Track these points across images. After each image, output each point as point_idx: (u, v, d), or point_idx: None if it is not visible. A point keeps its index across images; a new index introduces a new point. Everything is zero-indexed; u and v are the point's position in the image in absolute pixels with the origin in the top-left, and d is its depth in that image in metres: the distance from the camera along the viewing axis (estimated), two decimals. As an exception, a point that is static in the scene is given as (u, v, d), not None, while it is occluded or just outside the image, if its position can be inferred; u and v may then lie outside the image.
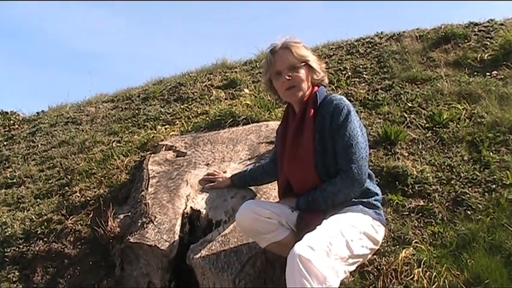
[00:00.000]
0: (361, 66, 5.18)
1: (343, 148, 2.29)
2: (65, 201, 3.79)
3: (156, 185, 3.34)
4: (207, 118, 4.53)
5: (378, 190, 2.43)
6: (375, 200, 2.37)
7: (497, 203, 2.88)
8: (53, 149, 5.05)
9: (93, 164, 4.25)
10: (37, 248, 3.37)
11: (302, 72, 2.44)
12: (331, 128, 2.33)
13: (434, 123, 3.75)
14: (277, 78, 2.47)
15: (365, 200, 2.33)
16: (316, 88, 2.49)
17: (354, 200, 2.32)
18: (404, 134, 3.61)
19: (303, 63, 2.45)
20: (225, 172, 3.28)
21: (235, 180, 3.09)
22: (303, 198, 2.39)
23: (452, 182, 3.14)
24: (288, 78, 2.41)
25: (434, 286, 2.45)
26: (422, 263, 2.57)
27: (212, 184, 3.19)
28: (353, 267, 2.23)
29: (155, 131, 4.62)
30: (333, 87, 4.77)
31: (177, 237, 2.84)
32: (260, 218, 2.38)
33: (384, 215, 2.43)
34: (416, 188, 3.13)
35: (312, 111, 2.41)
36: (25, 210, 3.89)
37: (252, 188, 3.09)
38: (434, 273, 2.51)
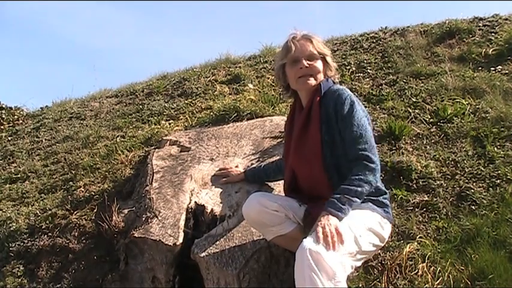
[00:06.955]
0: (365, 61, 5.17)
1: (353, 139, 2.25)
2: (69, 196, 3.80)
3: (160, 180, 3.35)
4: (211, 113, 4.53)
5: (385, 188, 2.42)
6: (383, 198, 2.35)
7: (502, 198, 2.88)
8: (57, 144, 5.07)
9: (97, 159, 4.26)
10: (42, 243, 3.38)
11: (319, 64, 2.47)
12: (337, 118, 2.33)
13: (438, 118, 3.75)
14: (294, 65, 2.46)
15: (374, 198, 2.31)
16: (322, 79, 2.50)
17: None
18: (408, 129, 3.61)
19: (321, 56, 2.48)
20: (236, 167, 3.28)
21: (248, 175, 3.08)
22: (330, 203, 2.13)
23: (457, 177, 3.14)
24: (306, 66, 2.43)
25: (438, 281, 2.46)
26: (426, 258, 2.58)
27: (226, 179, 3.18)
28: (359, 263, 2.22)
29: (159, 126, 4.63)
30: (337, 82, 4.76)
31: (181, 232, 2.85)
32: (267, 211, 2.39)
33: (391, 213, 2.42)
34: (420, 183, 3.13)
35: (318, 99, 2.42)
36: (29, 205, 3.91)
37: (257, 184, 3.07)
38: (439, 268, 2.51)
